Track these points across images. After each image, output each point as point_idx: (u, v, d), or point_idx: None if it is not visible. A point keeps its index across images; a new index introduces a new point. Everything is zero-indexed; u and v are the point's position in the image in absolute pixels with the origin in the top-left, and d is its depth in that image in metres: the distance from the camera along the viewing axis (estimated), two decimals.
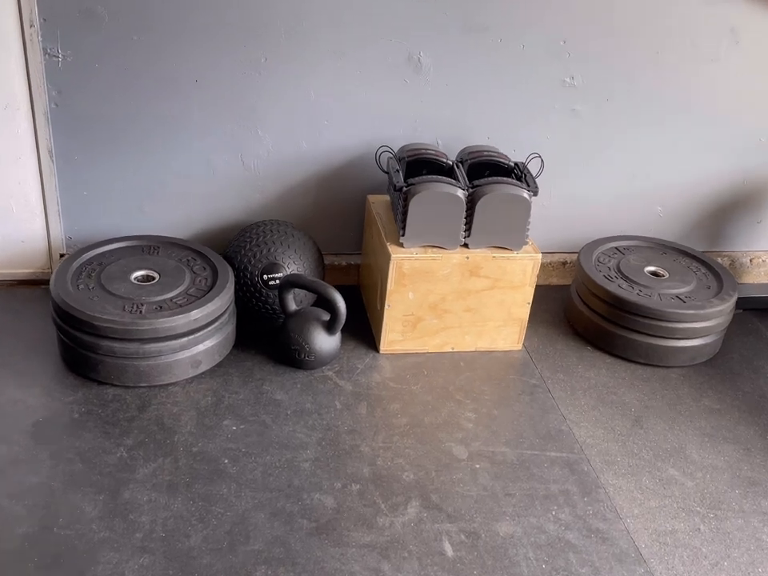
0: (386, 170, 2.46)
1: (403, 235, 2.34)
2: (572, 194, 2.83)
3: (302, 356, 2.32)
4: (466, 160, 2.48)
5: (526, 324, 2.52)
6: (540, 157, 2.48)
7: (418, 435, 2.17)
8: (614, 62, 2.61)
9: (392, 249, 2.34)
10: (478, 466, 2.09)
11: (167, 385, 2.25)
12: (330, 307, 2.29)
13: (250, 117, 2.50)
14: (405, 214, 2.31)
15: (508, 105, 2.62)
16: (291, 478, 1.99)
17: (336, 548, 1.81)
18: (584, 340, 2.65)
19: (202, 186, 2.59)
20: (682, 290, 2.57)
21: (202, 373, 2.31)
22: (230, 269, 2.39)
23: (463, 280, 2.39)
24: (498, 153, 2.51)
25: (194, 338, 2.23)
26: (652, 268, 2.68)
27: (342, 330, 2.48)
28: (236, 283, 2.44)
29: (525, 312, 2.49)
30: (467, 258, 2.36)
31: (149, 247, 2.48)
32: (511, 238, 2.38)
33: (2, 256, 2.57)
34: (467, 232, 2.36)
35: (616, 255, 2.73)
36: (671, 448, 2.22)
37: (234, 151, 2.55)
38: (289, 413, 2.20)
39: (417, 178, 2.32)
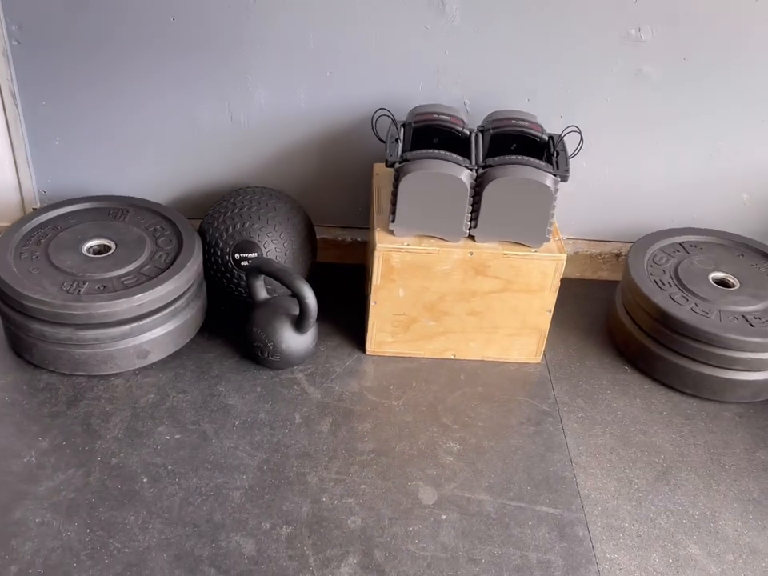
0: (383, 138, 2.03)
1: (393, 221, 1.93)
2: (634, 172, 2.31)
3: (266, 354, 1.98)
4: (488, 129, 2.02)
5: (546, 334, 2.07)
6: (578, 131, 1.99)
7: (383, 467, 1.80)
8: (696, 11, 2.05)
9: (380, 237, 1.94)
10: (444, 516, 1.71)
11: (109, 375, 1.97)
12: (299, 302, 1.92)
13: (237, 65, 2.12)
14: (395, 196, 1.89)
15: (555, 60, 2.12)
16: (213, 510, 1.68)
17: None
18: (623, 357, 2.18)
19: (187, 142, 2.25)
20: (752, 307, 2.04)
21: (153, 363, 2.01)
22: (198, 244, 2.06)
23: (467, 279, 1.96)
24: (531, 122, 2.03)
25: (139, 326, 1.93)
26: (719, 274, 2.15)
27: (331, 320, 2.14)
28: (206, 260, 2.11)
29: (545, 321, 2.04)
30: (471, 253, 1.93)
31: (117, 210, 2.18)
32: (528, 232, 1.93)
33: None
34: (473, 222, 1.93)
35: (677, 254, 2.22)
36: (700, 515, 1.76)
37: (220, 104, 2.18)
38: (237, 423, 1.88)
39: (414, 153, 1.89)
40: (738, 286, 2.11)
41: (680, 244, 2.26)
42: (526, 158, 1.88)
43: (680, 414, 2.01)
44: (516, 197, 1.86)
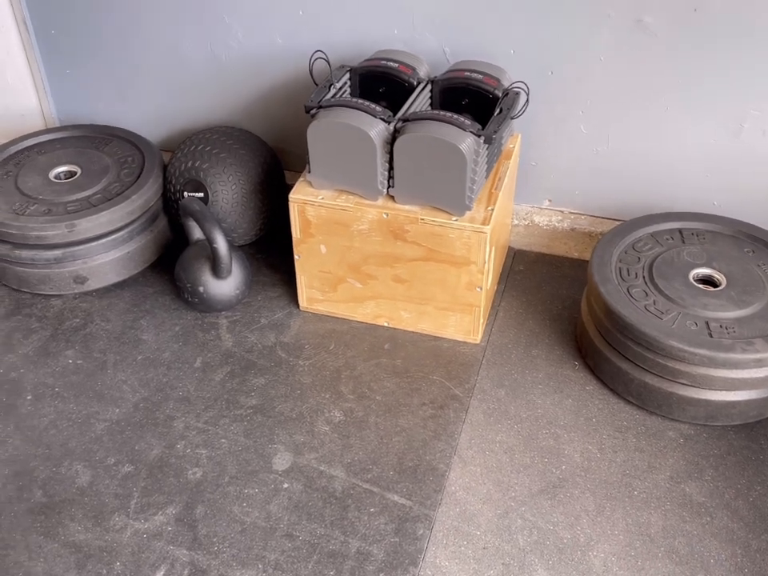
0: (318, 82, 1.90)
1: (309, 172, 1.82)
2: (641, 143, 1.99)
3: (186, 296, 1.97)
4: (439, 81, 1.84)
5: (480, 314, 1.88)
6: (525, 89, 1.75)
7: (253, 425, 1.75)
8: None
9: (298, 187, 1.85)
10: (286, 485, 1.63)
11: (50, 295, 2.07)
12: (210, 247, 1.89)
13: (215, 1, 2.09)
14: (308, 145, 1.78)
15: (545, 9, 1.86)
16: (71, 437, 1.72)
17: (41, 536, 1.54)
18: (577, 352, 1.92)
19: (177, 78, 2.27)
20: (726, 313, 1.71)
21: (94, 290, 2.08)
22: (152, 181, 2.09)
23: (386, 242, 1.82)
24: (487, 75, 1.82)
25: (72, 252, 1.99)
26: (706, 271, 1.82)
27: (284, 271, 2.09)
28: (164, 195, 2.13)
29: (477, 299, 1.85)
30: (386, 214, 1.78)
31: (101, 139, 2.25)
32: (448, 198, 1.74)
33: (5, 127, 2.52)
34: (391, 181, 1.77)
35: (669, 242, 1.90)
36: (570, 540, 1.53)
37: (203, 39, 2.16)
38: (139, 359, 1.90)
39: (332, 99, 1.77)
40: (723, 285, 1.78)
41: (679, 231, 1.93)
42: (447, 114, 1.69)
43: (611, 425, 1.75)
44: (429, 157, 1.68)
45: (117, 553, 1.51)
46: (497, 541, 1.53)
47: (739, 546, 1.50)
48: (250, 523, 1.56)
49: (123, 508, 1.58)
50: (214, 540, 1.53)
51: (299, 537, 1.54)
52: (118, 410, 1.78)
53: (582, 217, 2.15)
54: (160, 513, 1.58)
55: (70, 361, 1.90)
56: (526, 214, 2.18)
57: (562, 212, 2.16)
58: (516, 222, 2.19)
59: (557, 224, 2.16)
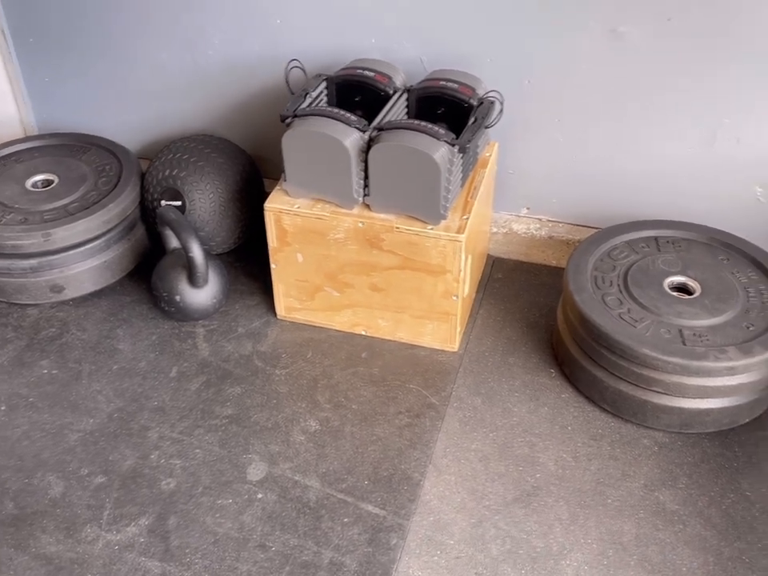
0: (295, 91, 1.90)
1: (285, 180, 1.82)
2: (618, 150, 2.00)
3: (162, 305, 1.97)
4: (414, 90, 1.84)
5: (457, 322, 1.88)
6: (498, 98, 1.75)
7: (228, 435, 1.74)
8: None
9: (273, 196, 1.85)
10: (260, 495, 1.62)
11: (26, 305, 2.06)
12: (185, 256, 1.89)
13: (195, 11, 2.09)
14: (283, 153, 1.78)
15: (521, 17, 1.86)
16: (44, 448, 1.71)
17: (11, 549, 1.53)
18: (554, 360, 1.92)
19: (157, 87, 2.26)
20: (700, 321, 1.71)
21: (71, 299, 2.07)
22: (130, 189, 2.08)
23: (362, 251, 1.82)
24: (462, 84, 1.82)
25: (49, 261, 1.99)
26: (681, 279, 1.82)
27: (263, 280, 2.08)
28: (141, 203, 2.13)
29: (453, 307, 1.85)
30: (361, 223, 1.78)
31: (80, 148, 2.25)
32: (423, 207, 1.74)
33: None
34: (366, 190, 1.77)
35: (645, 249, 1.90)
36: (543, 549, 1.52)
37: (181, 47, 2.16)
38: (114, 368, 1.90)
39: (307, 108, 1.77)
40: (698, 293, 1.78)
41: (654, 238, 1.94)
42: (422, 123, 1.69)
43: (586, 433, 1.75)
44: (403, 166, 1.68)
45: (88, 565, 1.50)
46: (470, 550, 1.53)
47: (711, 554, 1.51)
48: (223, 534, 1.55)
49: (95, 519, 1.58)
50: (187, 551, 1.52)
51: (272, 548, 1.53)
52: (92, 421, 1.77)
53: (560, 225, 2.15)
54: (132, 524, 1.57)
55: (45, 371, 1.89)
56: (505, 222, 2.18)
57: (540, 220, 2.16)
58: (495, 229, 2.19)
59: (535, 232, 2.16)
